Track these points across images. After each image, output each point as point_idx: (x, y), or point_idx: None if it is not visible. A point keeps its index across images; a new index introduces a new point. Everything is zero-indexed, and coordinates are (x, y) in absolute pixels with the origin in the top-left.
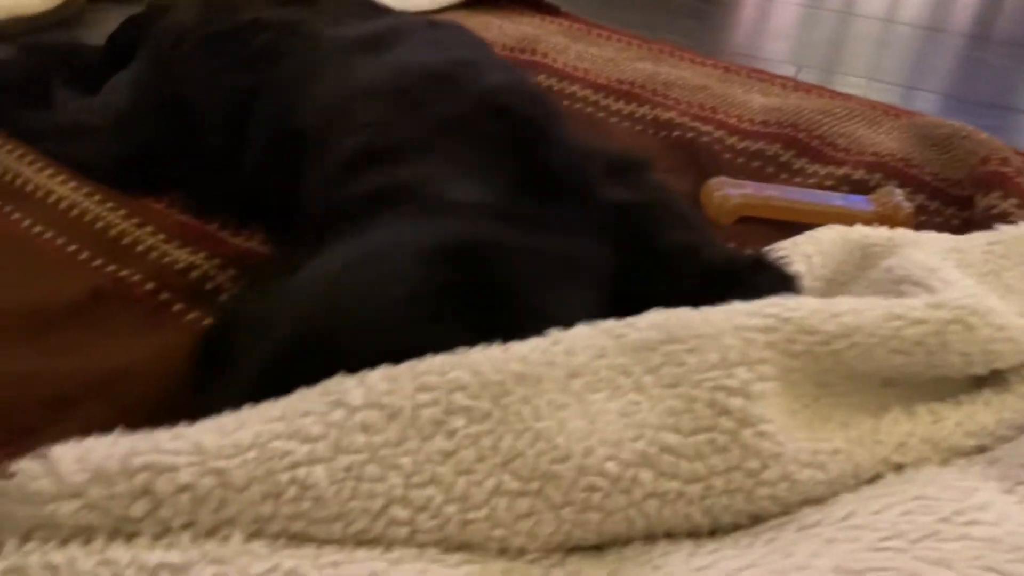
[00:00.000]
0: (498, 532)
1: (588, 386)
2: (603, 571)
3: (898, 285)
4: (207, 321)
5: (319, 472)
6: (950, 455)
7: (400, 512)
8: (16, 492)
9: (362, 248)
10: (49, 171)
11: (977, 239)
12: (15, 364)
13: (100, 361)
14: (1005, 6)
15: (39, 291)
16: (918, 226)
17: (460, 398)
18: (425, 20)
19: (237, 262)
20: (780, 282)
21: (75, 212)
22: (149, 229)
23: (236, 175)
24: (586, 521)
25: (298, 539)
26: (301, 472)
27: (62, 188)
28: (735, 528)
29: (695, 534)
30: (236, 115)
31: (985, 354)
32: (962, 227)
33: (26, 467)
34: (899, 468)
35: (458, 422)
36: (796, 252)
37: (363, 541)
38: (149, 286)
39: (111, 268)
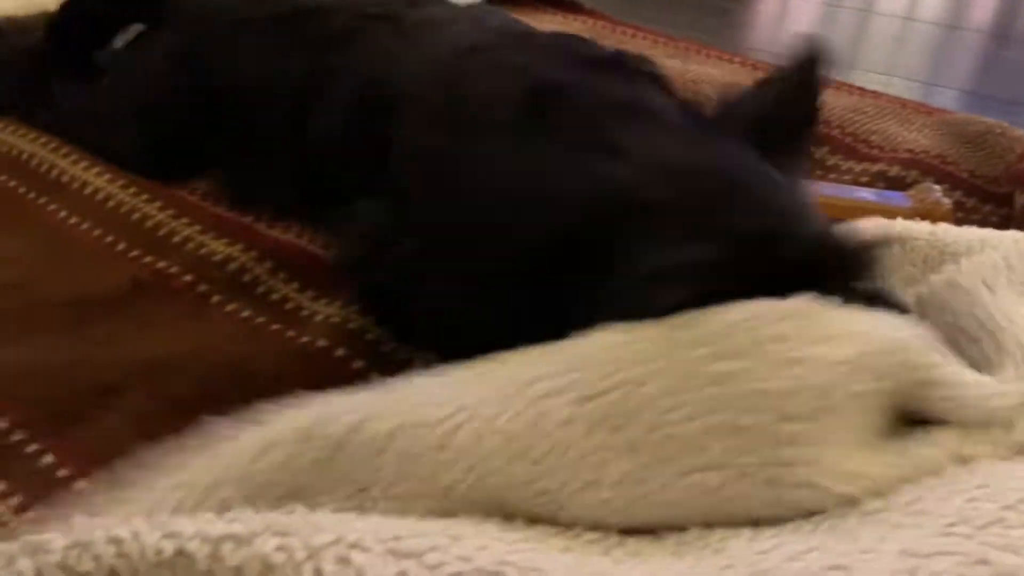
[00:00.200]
0: None
1: None
2: (664, 552)
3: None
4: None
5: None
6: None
7: None
8: None
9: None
10: (84, 163)
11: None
12: (57, 353)
13: (141, 351)
14: None
15: (78, 282)
16: (957, 223)
17: None
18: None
19: (273, 254)
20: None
21: (111, 203)
22: (185, 220)
23: (293, 156)
24: None
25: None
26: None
27: (98, 180)
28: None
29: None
30: (304, 95)
31: None
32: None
33: None
34: (964, 460)
35: None
36: None
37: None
38: (187, 278)
39: (149, 259)
